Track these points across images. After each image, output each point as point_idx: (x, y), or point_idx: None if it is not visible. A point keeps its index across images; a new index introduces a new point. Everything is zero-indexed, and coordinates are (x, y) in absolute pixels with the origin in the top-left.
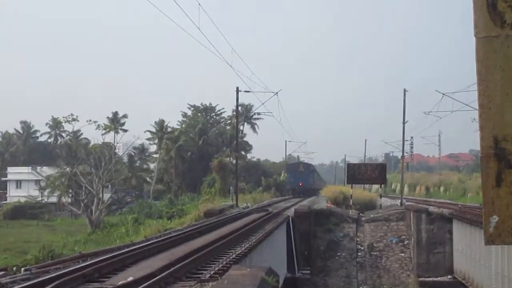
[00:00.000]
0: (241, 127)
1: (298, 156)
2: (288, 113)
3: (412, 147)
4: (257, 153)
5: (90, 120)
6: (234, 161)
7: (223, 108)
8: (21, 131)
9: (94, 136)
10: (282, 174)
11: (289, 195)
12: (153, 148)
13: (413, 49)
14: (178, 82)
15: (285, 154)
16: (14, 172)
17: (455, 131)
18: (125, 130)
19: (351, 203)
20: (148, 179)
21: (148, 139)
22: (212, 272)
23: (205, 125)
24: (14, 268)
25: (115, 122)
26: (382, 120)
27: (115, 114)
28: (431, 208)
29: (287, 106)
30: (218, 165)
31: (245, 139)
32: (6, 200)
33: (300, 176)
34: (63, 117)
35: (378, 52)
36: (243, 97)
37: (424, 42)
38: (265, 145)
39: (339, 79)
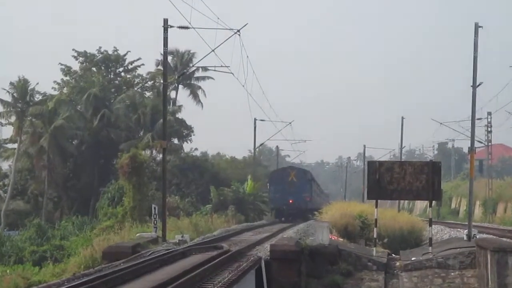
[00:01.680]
0: (173, 94)
1: (278, 149)
2: (263, 75)
3: (489, 131)
4: (203, 143)
5: None
6: (159, 157)
7: (139, 59)
8: None
9: None
10: (249, 182)
11: (274, 218)
12: (7, 132)
13: None
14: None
15: (254, 144)
16: None
17: None
18: None
19: (375, 235)
20: None
21: None
22: None
23: (106, 90)
24: None
25: None
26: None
27: None
28: None
29: (261, 67)
30: (129, 164)
31: (180, 116)
32: None
33: (290, 190)
34: None
35: None
36: (178, 38)
37: None
38: (218, 129)
39: None
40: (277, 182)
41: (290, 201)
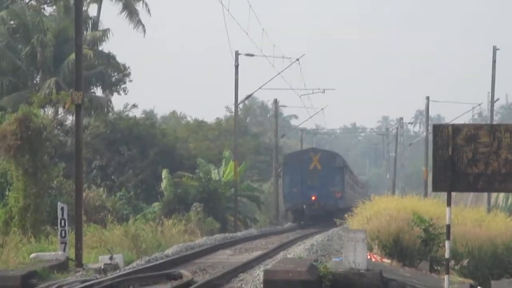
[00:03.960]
0: (93, 11)
1: (276, 104)
2: None
3: None
4: (148, 98)
5: None
6: (69, 121)
7: None
8: None
9: None
10: (227, 162)
11: (288, 220)
12: None
13: None
14: None
15: (235, 97)
16: None
17: None
18: None
19: (446, 254)
20: None
21: None
22: None
23: None
24: None
25: None
26: None
27: None
28: None
29: None
30: (16, 132)
31: (106, 49)
32: None
33: (313, 182)
34: None
35: None
36: None
37: None
38: (175, 78)
39: None
40: (294, 171)
41: (313, 198)
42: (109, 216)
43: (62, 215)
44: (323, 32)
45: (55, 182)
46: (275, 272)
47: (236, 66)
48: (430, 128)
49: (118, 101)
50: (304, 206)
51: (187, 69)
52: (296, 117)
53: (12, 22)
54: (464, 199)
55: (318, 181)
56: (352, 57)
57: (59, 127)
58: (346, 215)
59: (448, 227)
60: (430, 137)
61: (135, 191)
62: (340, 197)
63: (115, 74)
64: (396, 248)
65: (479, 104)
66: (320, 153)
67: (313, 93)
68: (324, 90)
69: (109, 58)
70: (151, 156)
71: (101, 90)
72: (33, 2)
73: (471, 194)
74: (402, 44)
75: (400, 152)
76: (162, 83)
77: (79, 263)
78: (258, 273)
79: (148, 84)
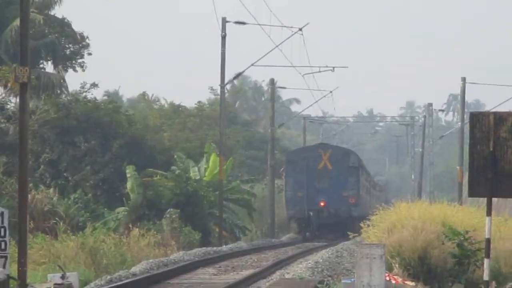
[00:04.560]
0: None
1: (273, 84)
2: None
3: None
4: (111, 76)
5: None
6: (11, 104)
7: None
8: None
9: None
10: (210, 158)
11: (291, 231)
12: None
13: None
14: None
15: (221, 75)
16: None
17: None
18: None
19: (486, 275)
20: None
21: None
22: None
23: None
24: None
25: None
26: None
27: None
28: None
29: None
30: None
31: (59, 14)
32: None
33: (322, 184)
34: None
35: None
36: None
37: None
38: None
39: None
40: (299, 171)
41: (321, 204)
42: (61, 224)
43: (2, 222)
44: None
45: None
46: None
47: (223, 37)
48: (467, 117)
49: (73, 80)
50: (311, 214)
51: (161, 42)
52: (298, 101)
53: None
54: (509, 207)
55: (328, 183)
56: (369, 29)
57: None
58: (361, 225)
59: (488, 241)
60: (467, 128)
61: (93, 193)
62: (355, 203)
63: (70, 45)
64: (423, 267)
65: None
66: (331, 149)
67: (319, 71)
68: (333, 68)
69: (63, 26)
70: (114, 149)
71: (52, 66)
72: None
73: None
74: (432, 15)
75: (428, 147)
76: (130, 58)
77: (22, 283)
78: None
79: (112, 59)
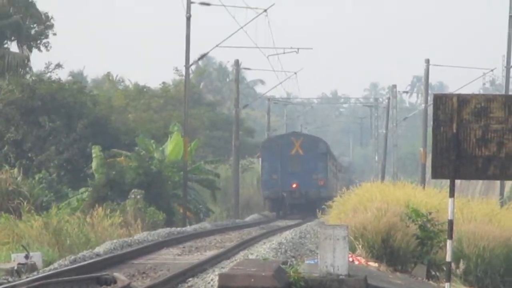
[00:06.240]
0: None
1: (237, 65)
2: None
3: None
4: (76, 56)
5: None
6: None
7: None
8: None
9: None
10: (173, 138)
11: (268, 211)
12: None
13: None
14: None
15: (186, 55)
16: None
17: None
18: None
19: (448, 257)
20: None
21: None
22: None
23: None
24: None
25: None
26: None
27: None
28: None
29: None
30: None
31: None
32: None
33: (294, 168)
34: None
35: None
36: None
37: None
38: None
39: None
40: (274, 156)
41: (294, 186)
42: (25, 204)
43: None
44: None
45: None
46: (233, 277)
47: (188, 18)
48: (430, 99)
49: (38, 60)
50: (284, 194)
51: (127, 22)
52: (262, 82)
53: None
54: (472, 189)
55: (299, 167)
56: (334, 10)
57: None
58: (330, 205)
59: (451, 223)
60: (430, 110)
61: (58, 173)
62: (323, 185)
63: (35, 25)
64: (386, 248)
65: (492, 70)
66: (302, 137)
67: (284, 53)
68: (298, 49)
69: (27, 5)
70: (79, 130)
71: (16, 45)
72: None
73: (480, 182)
74: None
75: (392, 128)
76: (94, 38)
77: None
78: (212, 277)
79: (76, 39)
